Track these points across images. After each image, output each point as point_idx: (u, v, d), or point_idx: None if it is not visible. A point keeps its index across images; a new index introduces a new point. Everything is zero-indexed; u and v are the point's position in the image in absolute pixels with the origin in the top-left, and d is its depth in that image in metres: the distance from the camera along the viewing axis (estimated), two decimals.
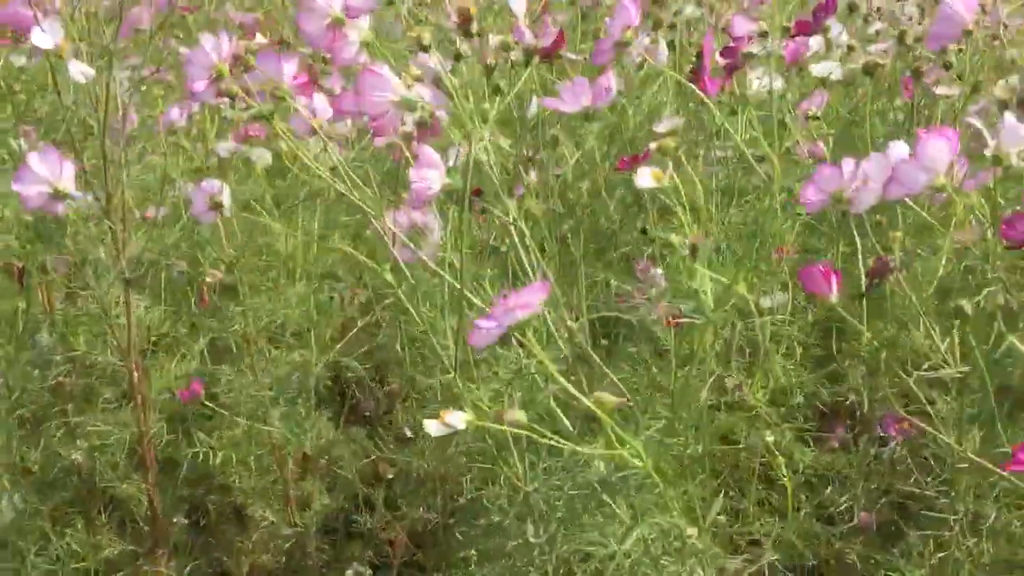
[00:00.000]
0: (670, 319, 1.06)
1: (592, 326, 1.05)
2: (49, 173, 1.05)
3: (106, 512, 1.47)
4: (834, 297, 0.91)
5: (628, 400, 0.76)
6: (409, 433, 1.58)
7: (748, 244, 1.25)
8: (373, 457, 1.57)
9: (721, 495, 1.27)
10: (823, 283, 0.90)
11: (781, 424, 1.31)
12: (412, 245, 0.96)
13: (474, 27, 0.86)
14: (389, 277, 0.95)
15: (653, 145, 0.91)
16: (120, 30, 1.14)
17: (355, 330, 1.57)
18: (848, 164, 0.95)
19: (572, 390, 0.70)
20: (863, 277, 0.96)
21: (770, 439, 1.20)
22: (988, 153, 0.99)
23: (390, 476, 1.44)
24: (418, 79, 0.94)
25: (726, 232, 1.08)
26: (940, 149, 0.86)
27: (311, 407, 1.50)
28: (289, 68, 1.01)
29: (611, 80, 1.02)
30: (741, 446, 1.29)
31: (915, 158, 0.87)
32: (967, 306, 0.95)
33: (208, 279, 1.41)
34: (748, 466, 1.36)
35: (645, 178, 0.88)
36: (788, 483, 1.14)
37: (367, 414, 1.83)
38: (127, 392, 1.37)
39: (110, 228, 1.21)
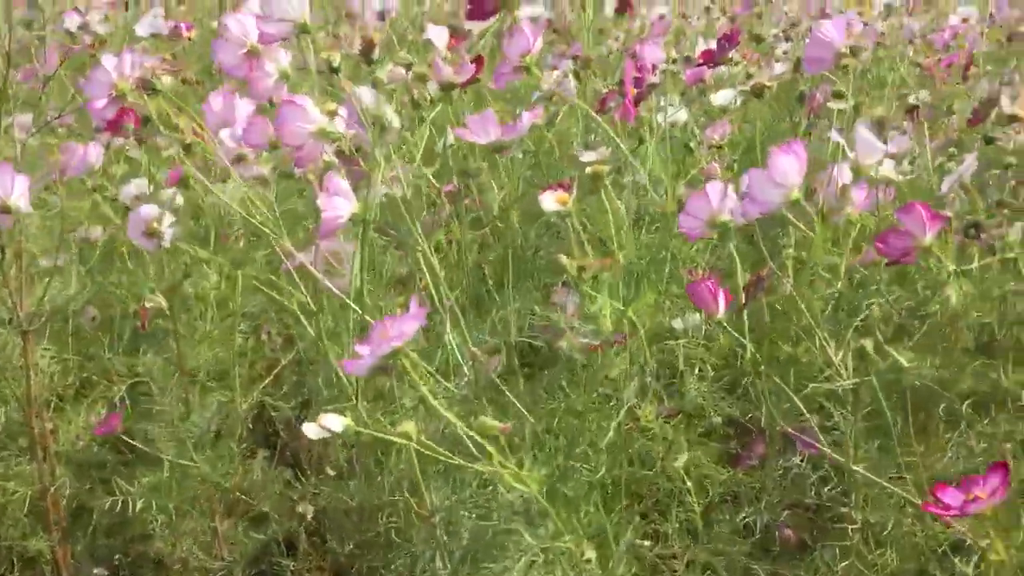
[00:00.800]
0: (592, 344, 1.08)
1: (517, 353, 1.07)
2: None
3: (15, 571, 1.43)
4: (721, 312, 0.94)
5: (508, 427, 0.77)
6: (332, 471, 1.57)
7: (659, 267, 1.29)
8: (298, 496, 1.56)
9: (637, 519, 1.29)
10: (710, 299, 0.93)
11: (694, 446, 1.34)
12: (326, 276, 0.97)
13: (376, 54, 0.88)
14: (298, 313, 0.95)
15: (588, 170, 0.93)
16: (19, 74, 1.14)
17: (279, 367, 1.57)
18: (715, 188, 0.97)
19: (454, 419, 0.71)
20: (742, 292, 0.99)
21: (680, 462, 1.22)
22: (848, 165, 1.03)
23: (311, 515, 1.43)
24: (334, 112, 0.96)
25: (637, 256, 1.11)
26: (790, 164, 0.89)
27: (236, 448, 1.48)
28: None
29: (528, 116, 1.04)
30: (658, 470, 1.31)
31: (767, 174, 0.89)
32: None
33: (147, 304, 1.39)
34: (669, 489, 1.39)
35: (550, 202, 0.90)
36: (695, 504, 1.16)
37: (293, 453, 1.82)
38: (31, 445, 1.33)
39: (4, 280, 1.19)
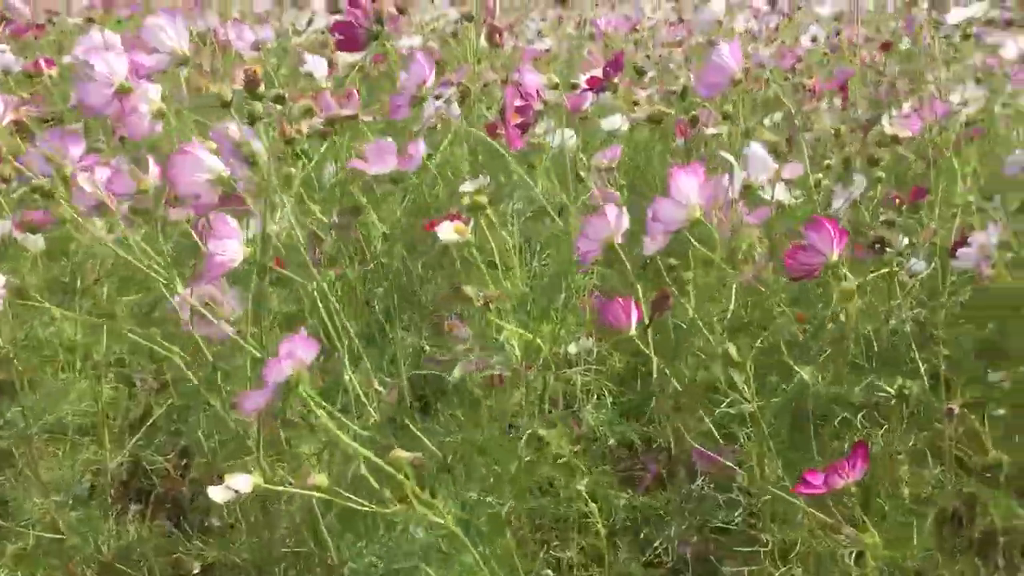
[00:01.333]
0: (490, 376, 1.04)
1: (410, 389, 1.02)
2: None
3: None
4: (632, 330, 0.92)
5: (421, 460, 0.73)
6: (217, 522, 1.48)
7: (553, 295, 1.26)
8: (178, 553, 1.45)
9: (544, 548, 1.26)
10: (622, 316, 0.91)
11: (593, 471, 1.31)
12: (208, 320, 0.90)
13: (261, 89, 0.82)
14: (178, 359, 0.88)
15: (466, 200, 0.90)
16: None
17: (155, 417, 1.47)
18: (612, 211, 0.96)
19: (367, 453, 0.66)
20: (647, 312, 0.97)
21: (582, 487, 1.19)
22: (740, 183, 1.04)
23: (196, 571, 1.33)
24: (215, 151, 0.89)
25: (530, 284, 1.08)
26: (691, 185, 0.89)
27: (107, 507, 1.37)
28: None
29: (420, 146, 1.00)
30: (560, 497, 1.28)
31: (669, 195, 0.89)
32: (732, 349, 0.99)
33: None
34: (568, 516, 1.36)
35: (447, 232, 0.86)
36: (601, 528, 1.13)
37: (171, 506, 1.71)
38: None
39: None
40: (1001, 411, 1.19)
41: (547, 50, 2.14)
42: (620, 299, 0.91)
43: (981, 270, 1.21)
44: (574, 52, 2.42)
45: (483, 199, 0.93)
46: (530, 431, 1.01)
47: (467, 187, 0.98)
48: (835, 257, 0.91)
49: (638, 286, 0.99)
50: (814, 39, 2.05)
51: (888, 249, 0.98)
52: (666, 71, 1.88)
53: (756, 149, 0.96)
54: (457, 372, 1.14)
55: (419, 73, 1.01)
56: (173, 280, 0.86)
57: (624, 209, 0.92)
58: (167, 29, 0.84)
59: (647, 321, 0.94)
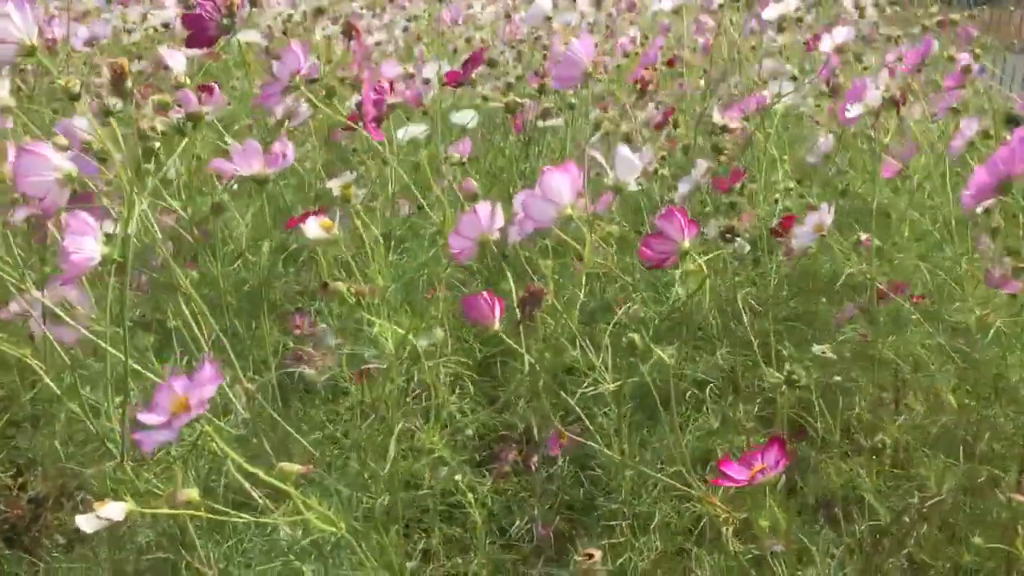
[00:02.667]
0: (358, 373, 1.01)
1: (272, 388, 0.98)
2: None
3: None
4: (497, 324, 0.92)
5: (313, 467, 0.70)
6: (62, 540, 1.38)
7: (414, 289, 1.24)
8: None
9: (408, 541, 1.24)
10: (487, 312, 0.91)
11: (456, 461, 1.31)
12: (56, 325, 0.83)
13: (128, 84, 0.77)
14: (35, 363, 0.81)
15: (336, 194, 0.87)
16: None
17: None
18: (484, 208, 0.95)
19: (249, 468, 0.63)
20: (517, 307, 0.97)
21: (459, 478, 1.18)
22: (608, 182, 1.05)
23: None
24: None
25: (393, 279, 1.06)
26: (562, 182, 0.89)
27: None
28: None
29: (288, 146, 0.96)
30: (425, 490, 1.27)
31: (540, 192, 0.89)
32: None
33: None
34: (432, 508, 1.35)
35: (314, 229, 0.83)
36: (477, 515, 1.12)
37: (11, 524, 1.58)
38: None
39: None
40: (838, 378, 1.25)
41: (377, 43, 2.11)
42: (484, 295, 0.91)
43: (799, 249, 1.28)
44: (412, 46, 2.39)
45: (351, 191, 0.90)
46: (400, 425, 0.98)
47: (334, 182, 0.95)
48: (686, 245, 0.93)
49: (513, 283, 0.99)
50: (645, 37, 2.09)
51: (737, 237, 1.01)
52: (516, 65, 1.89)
53: (623, 150, 0.98)
54: (309, 371, 1.11)
55: (293, 62, 0.97)
56: (24, 280, 0.79)
57: (498, 206, 0.92)
58: (14, 17, 0.77)
59: (519, 318, 0.93)
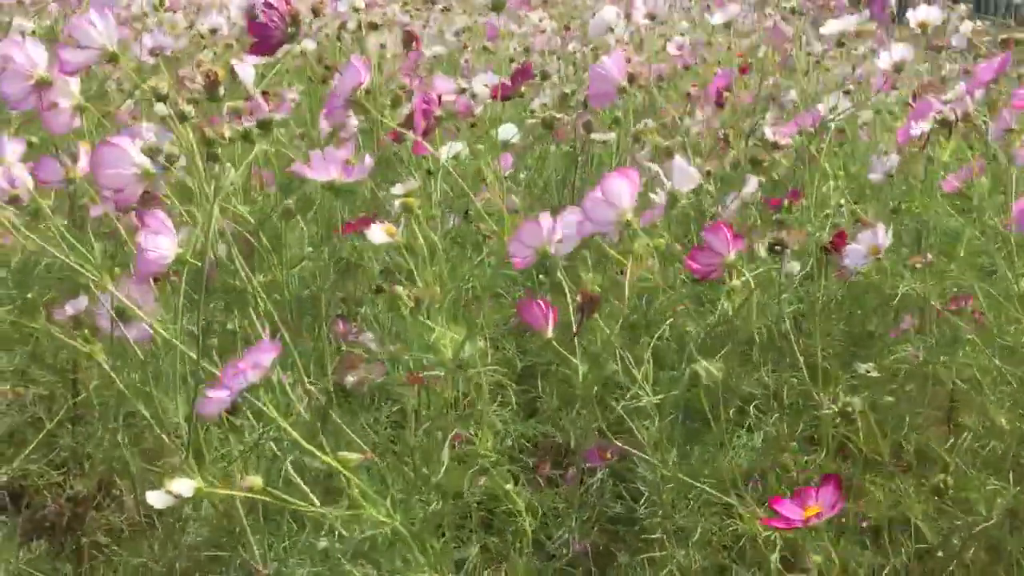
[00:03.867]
0: (413, 378, 1.05)
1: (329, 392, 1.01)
2: None
3: None
4: (550, 331, 0.95)
5: (371, 456, 0.74)
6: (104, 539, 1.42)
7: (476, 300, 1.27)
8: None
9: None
10: (541, 318, 0.94)
11: (502, 470, 1.34)
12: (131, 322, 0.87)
13: (222, 91, 0.81)
14: (101, 359, 0.85)
15: (397, 203, 0.91)
16: None
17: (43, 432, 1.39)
18: (546, 218, 1.00)
19: (313, 450, 0.67)
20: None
21: (510, 487, 1.21)
22: (659, 196, 1.08)
23: None
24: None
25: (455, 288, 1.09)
26: (622, 187, 0.92)
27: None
28: None
29: (367, 159, 1.01)
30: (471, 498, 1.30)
31: (602, 196, 0.93)
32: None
33: None
34: (472, 516, 1.38)
35: (378, 234, 0.87)
36: (527, 525, 1.15)
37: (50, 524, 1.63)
38: None
39: None
40: (889, 399, 1.27)
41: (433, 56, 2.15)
42: (540, 301, 0.94)
43: (855, 268, 1.30)
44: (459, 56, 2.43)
45: (414, 200, 0.94)
46: (452, 432, 1.02)
47: (397, 189, 0.99)
48: (732, 257, 0.96)
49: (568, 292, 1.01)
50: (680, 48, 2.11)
51: (786, 250, 1.04)
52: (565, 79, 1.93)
53: (680, 161, 1.01)
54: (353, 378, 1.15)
55: (354, 76, 1.01)
56: (103, 278, 0.83)
57: (557, 218, 0.96)
58: (97, 24, 0.82)
59: (575, 326, 0.96)
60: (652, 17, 1.59)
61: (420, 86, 1.26)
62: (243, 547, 0.88)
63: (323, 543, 0.84)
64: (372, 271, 1.23)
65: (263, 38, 1.00)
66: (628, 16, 1.84)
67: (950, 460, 1.21)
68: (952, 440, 1.27)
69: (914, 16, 1.34)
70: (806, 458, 1.27)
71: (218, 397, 0.67)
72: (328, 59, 1.80)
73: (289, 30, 0.99)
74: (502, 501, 1.34)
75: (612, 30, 1.78)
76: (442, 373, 0.95)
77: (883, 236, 1.19)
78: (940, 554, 1.17)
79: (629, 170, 0.92)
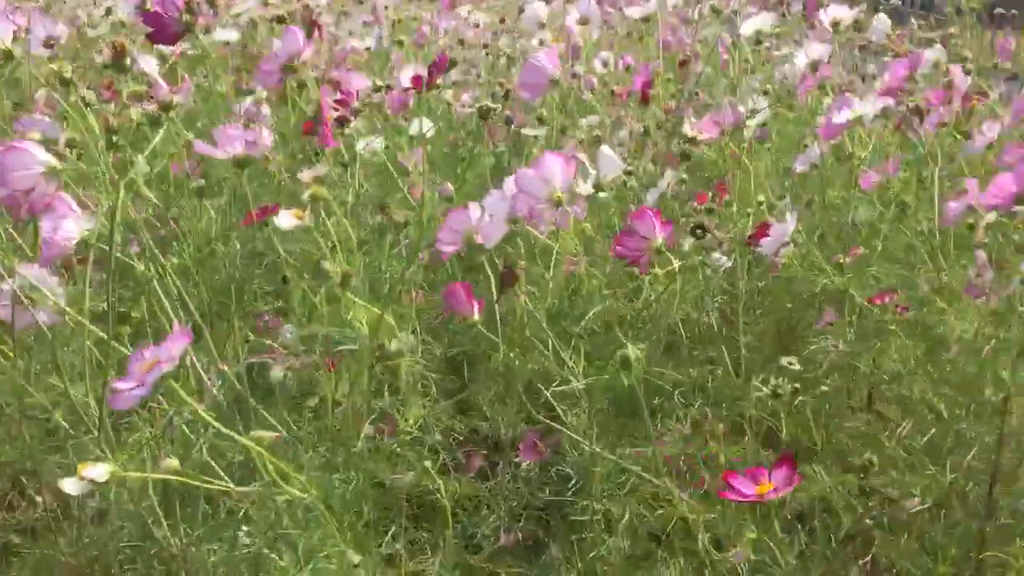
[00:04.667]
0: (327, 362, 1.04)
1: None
2: None
3: None
4: (476, 315, 0.96)
5: (284, 434, 0.74)
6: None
7: (383, 286, 1.27)
8: None
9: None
10: (467, 302, 0.94)
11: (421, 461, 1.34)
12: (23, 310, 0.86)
13: (128, 62, 0.80)
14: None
15: (306, 192, 0.90)
16: None
17: None
18: (474, 207, 1.01)
19: (228, 431, 0.66)
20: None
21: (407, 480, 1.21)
22: (590, 180, 1.10)
23: None
24: None
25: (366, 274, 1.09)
26: (556, 163, 0.94)
27: None
28: None
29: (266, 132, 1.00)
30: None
31: (536, 171, 0.94)
32: None
33: None
34: (397, 506, 1.37)
35: (287, 219, 0.87)
36: (447, 513, 1.15)
37: None
38: None
39: None
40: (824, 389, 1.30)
41: (366, 48, 2.14)
42: (464, 285, 0.95)
43: (775, 260, 1.33)
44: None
45: (322, 189, 0.94)
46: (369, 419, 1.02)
47: (307, 173, 0.98)
48: (659, 241, 0.98)
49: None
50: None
51: (708, 234, 1.06)
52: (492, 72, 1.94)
53: (606, 150, 1.03)
54: (277, 372, 1.14)
55: (293, 44, 1.00)
56: (10, 262, 0.81)
57: (484, 207, 0.97)
58: None
59: (495, 297, 0.97)
60: (584, 21, 1.62)
61: (337, 79, 1.26)
62: (156, 535, 0.87)
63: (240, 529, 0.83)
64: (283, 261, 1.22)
65: (159, 27, 0.99)
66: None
67: (870, 448, 1.25)
68: (870, 429, 1.31)
69: (826, 15, 1.38)
70: (732, 447, 1.29)
71: (130, 392, 0.67)
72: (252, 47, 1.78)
73: (184, 18, 0.97)
74: (430, 493, 1.35)
75: (543, 25, 1.80)
76: (357, 346, 0.94)
77: (792, 223, 1.22)
78: (858, 539, 1.20)
79: (564, 153, 0.94)
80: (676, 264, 1.01)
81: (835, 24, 1.37)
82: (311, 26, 1.68)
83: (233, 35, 1.74)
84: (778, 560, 1.13)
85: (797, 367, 1.34)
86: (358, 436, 0.99)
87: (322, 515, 0.79)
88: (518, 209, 0.96)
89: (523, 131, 1.66)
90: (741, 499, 0.88)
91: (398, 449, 1.24)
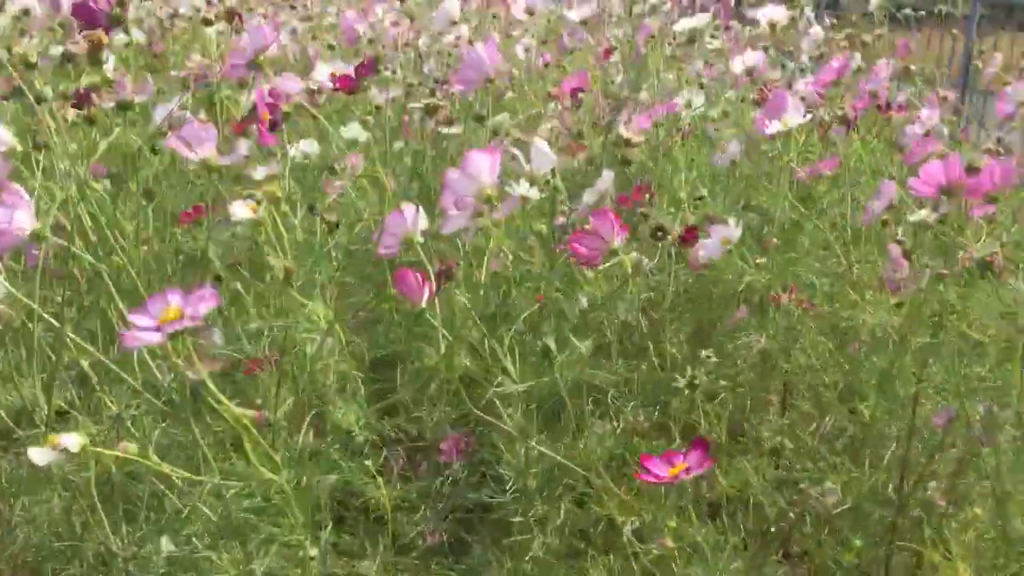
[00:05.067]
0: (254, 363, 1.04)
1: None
2: None
3: None
4: (424, 302, 0.96)
5: (262, 413, 0.74)
6: None
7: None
8: None
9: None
10: (416, 288, 0.95)
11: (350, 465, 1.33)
12: None
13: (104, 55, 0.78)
14: None
15: (260, 192, 0.90)
16: None
17: None
18: (410, 209, 1.00)
19: (222, 400, 0.66)
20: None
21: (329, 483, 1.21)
22: (524, 176, 1.12)
23: None
24: None
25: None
26: (483, 161, 0.96)
27: None
28: None
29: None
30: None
31: (463, 170, 0.95)
32: None
33: None
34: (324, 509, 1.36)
35: (241, 210, 0.86)
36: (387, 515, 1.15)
37: None
38: None
39: None
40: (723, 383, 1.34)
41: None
42: (414, 271, 0.96)
43: (700, 259, 1.37)
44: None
45: (276, 189, 0.93)
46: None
47: (261, 171, 0.98)
48: (616, 243, 1.00)
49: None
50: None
51: (668, 235, 1.09)
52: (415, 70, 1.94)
53: (540, 144, 1.04)
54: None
55: (260, 38, 0.99)
56: None
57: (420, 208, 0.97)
58: None
59: (434, 292, 0.98)
60: (531, 12, 1.64)
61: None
62: (93, 536, 0.85)
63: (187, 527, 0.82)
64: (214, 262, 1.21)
65: (89, 21, 0.96)
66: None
67: (782, 439, 1.31)
68: (785, 420, 1.37)
69: (763, 15, 1.43)
70: (656, 443, 1.33)
71: (144, 334, 0.65)
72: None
73: (114, 12, 0.96)
74: (357, 496, 1.34)
75: (455, 23, 1.82)
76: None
77: (735, 228, 1.27)
78: (776, 530, 1.25)
79: (491, 149, 0.95)
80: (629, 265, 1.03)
81: (771, 25, 1.43)
82: (231, 17, 1.66)
83: (139, 35, 1.71)
84: (701, 550, 1.18)
85: (715, 359, 1.39)
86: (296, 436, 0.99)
87: (286, 503, 0.79)
88: (446, 203, 0.97)
89: (444, 130, 1.67)
90: (656, 480, 0.91)
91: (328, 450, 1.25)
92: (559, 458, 1.07)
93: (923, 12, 2.47)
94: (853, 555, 1.28)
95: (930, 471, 1.32)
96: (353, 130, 1.60)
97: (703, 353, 1.41)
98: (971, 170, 0.99)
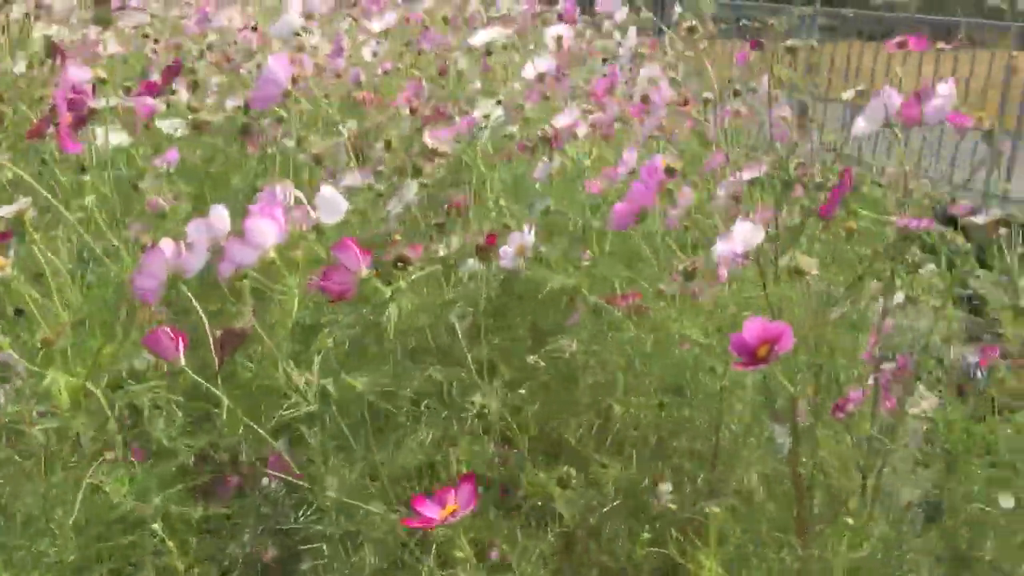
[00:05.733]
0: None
1: None
2: None
3: None
4: (182, 360, 0.94)
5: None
6: None
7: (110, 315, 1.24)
8: None
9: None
10: (169, 347, 0.93)
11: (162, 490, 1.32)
12: None
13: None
14: None
15: (11, 213, 0.86)
16: None
17: None
18: (169, 246, 0.96)
19: None
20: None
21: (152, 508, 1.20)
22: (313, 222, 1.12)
23: None
24: None
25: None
26: (269, 227, 0.95)
27: None
28: None
29: None
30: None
31: (245, 236, 0.94)
32: None
33: None
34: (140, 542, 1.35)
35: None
36: (172, 550, 1.15)
37: None
38: None
39: None
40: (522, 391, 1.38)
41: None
42: (167, 329, 0.93)
43: (516, 266, 1.40)
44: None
45: (26, 211, 0.90)
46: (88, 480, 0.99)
47: (6, 210, 0.94)
48: (364, 272, 1.01)
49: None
50: (375, 54, 2.16)
51: (409, 267, 1.10)
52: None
53: (327, 191, 1.04)
54: None
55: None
56: None
57: (191, 242, 0.94)
58: None
59: (218, 360, 0.96)
60: (309, 16, 1.63)
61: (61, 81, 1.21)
62: None
63: None
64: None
65: None
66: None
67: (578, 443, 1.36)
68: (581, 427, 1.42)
69: (548, 31, 1.47)
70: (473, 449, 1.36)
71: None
72: None
73: None
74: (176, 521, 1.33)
75: (299, 33, 1.80)
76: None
77: (528, 236, 1.29)
78: (578, 532, 1.30)
79: (274, 208, 0.94)
80: (415, 273, 1.04)
81: (557, 41, 1.46)
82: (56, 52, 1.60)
83: None
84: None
85: (519, 367, 1.43)
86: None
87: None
88: (225, 272, 0.95)
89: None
90: (425, 526, 0.94)
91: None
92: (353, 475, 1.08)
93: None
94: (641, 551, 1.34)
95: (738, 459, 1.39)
96: (170, 123, 1.56)
97: (531, 359, 1.45)
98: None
